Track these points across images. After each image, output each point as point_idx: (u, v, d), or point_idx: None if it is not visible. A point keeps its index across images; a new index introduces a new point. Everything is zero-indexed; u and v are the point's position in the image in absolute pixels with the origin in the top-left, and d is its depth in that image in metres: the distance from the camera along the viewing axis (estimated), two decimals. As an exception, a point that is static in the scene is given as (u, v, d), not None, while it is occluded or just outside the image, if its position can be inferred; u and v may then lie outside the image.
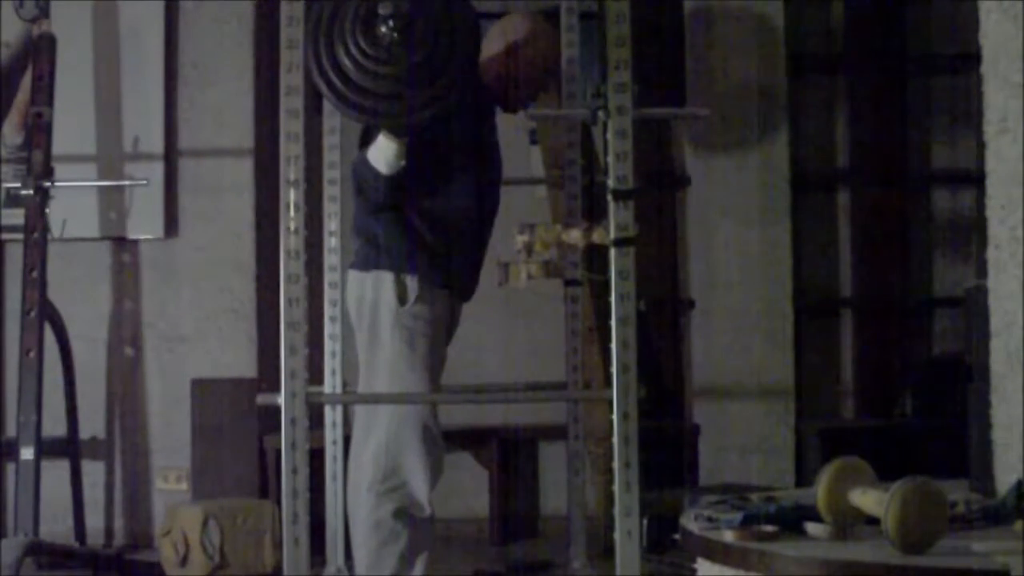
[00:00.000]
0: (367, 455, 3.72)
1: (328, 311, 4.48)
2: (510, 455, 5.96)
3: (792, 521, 2.93)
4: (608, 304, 3.29)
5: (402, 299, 3.70)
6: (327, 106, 4.55)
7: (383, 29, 3.22)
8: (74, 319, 5.46)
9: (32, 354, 4.97)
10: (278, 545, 4.95)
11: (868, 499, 2.79)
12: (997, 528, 2.93)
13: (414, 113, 3.33)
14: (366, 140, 3.65)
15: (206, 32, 5.88)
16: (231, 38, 5.88)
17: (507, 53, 3.89)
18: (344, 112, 3.35)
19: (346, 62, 3.25)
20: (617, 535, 3.24)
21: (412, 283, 3.70)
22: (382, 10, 3.23)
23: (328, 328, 4.47)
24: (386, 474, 3.69)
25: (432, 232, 3.73)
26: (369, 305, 3.74)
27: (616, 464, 3.26)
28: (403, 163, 3.56)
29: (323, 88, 3.28)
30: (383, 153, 3.55)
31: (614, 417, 3.27)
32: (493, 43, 3.89)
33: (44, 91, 5.22)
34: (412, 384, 3.69)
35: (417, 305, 3.70)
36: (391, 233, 3.71)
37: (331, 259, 4.49)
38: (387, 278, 3.72)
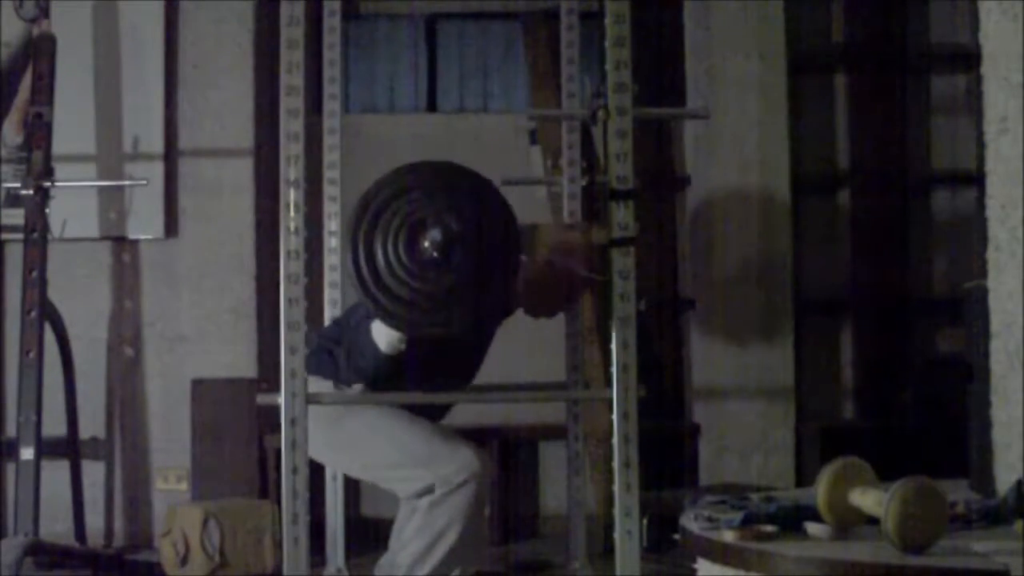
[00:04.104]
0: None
1: (328, 311, 4.48)
2: (510, 455, 5.96)
3: (792, 521, 2.93)
4: (608, 304, 3.29)
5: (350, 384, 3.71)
6: (327, 106, 4.55)
7: (426, 244, 3.22)
8: (74, 319, 5.47)
9: (32, 354, 4.97)
10: (278, 545, 4.95)
11: (868, 499, 2.79)
12: (997, 528, 2.93)
13: (442, 329, 3.35)
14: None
15: (206, 32, 5.88)
16: (231, 38, 5.88)
17: (542, 263, 3.79)
18: (375, 314, 3.36)
19: (382, 264, 3.24)
20: (617, 535, 3.24)
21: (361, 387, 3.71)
22: (431, 235, 3.22)
23: (328, 328, 4.47)
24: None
25: (396, 387, 3.72)
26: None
27: (616, 464, 3.26)
28: (403, 348, 3.56)
29: (356, 284, 3.27)
30: (388, 336, 3.55)
31: (614, 417, 3.27)
32: (529, 249, 3.76)
33: (44, 91, 5.23)
34: (406, 420, 3.69)
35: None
36: (356, 365, 3.70)
37: (331, 259, 4.49)
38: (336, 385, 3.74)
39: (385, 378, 3.64)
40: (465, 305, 3.28)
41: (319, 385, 3.64)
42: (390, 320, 3.30)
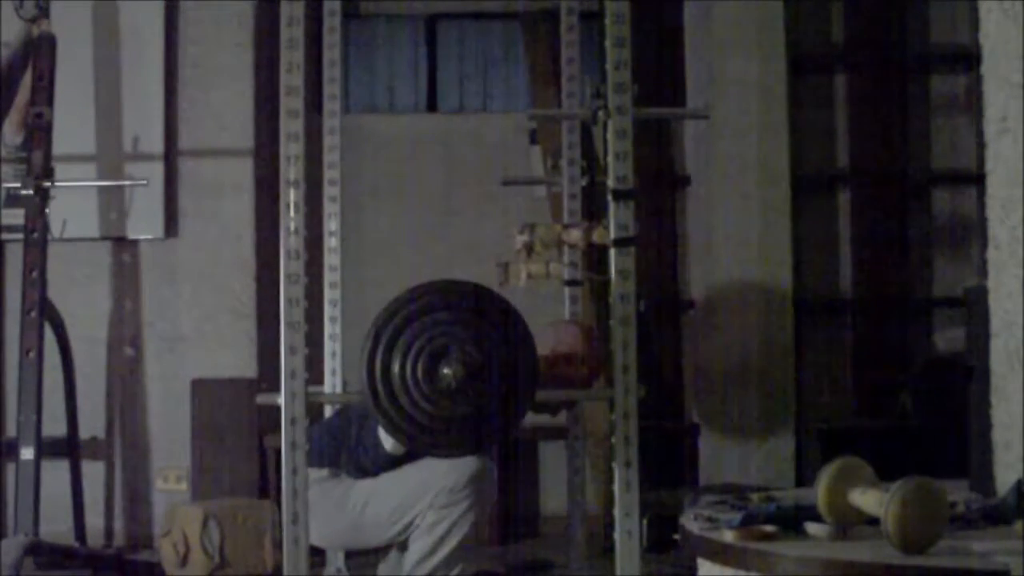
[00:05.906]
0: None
1: (328, 311, 4.48)
2: (510, 455, 5.96)
3: (792, 521, 2.93)
4: (608, 304, 3.29)
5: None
6: (327, 106, 4.55)
7: (446, 371, 3.21)
8: (74, 319, 5.46)
9: (32, 354, 4.97)
10: (278, 545, 4.94)
11: (868, 499, 2.79)
12: (997, 528, 2.93)
13: (450, 452, 3.39)
14: None
15: (206, 32, 5.88)
16: (231, 38, 5.88)
17: (552, 361, 3.83)
18: (387, 430, 3.37)
19: (398, 384, 3.23)
20: (617, 535, 3.25)
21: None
22: (453, 368, 3.20)
23: (328, 328, 4.48)
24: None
25: None
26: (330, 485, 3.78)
27: (616, 464, 3.26)
28: (406, 449, 3.61)
29: (369, 398, 3.26)
30: (394, 441, 3.61)
31: (614, 417, 3.27)
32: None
33: (44, 91, 5.22)
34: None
35: None
36: (359, 461, 3.76)
37: (331, 259, 4.49)
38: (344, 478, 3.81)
39: (385, 471, 3.74)
40: (476, 433, 3.28)
41: (318, 474, 3.70)
42: (399, 437, 3.32)
